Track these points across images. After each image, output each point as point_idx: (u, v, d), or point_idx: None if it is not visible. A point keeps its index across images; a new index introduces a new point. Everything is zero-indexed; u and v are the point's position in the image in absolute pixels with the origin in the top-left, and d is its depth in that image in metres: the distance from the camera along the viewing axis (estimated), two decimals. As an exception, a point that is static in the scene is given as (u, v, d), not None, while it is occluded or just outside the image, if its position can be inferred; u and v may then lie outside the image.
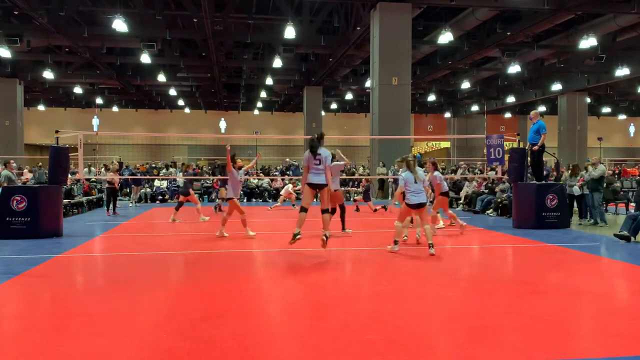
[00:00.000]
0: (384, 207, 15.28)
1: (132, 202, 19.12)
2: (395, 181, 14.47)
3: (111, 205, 14.84)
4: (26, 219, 9.78)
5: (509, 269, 7.51)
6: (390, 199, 18.55)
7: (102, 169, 20.39)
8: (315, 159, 7.77)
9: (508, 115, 44.48)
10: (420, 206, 8.17)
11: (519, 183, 11.59)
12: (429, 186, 9.91)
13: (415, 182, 8.13)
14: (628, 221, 9.50)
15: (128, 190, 20.98)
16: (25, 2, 16.94)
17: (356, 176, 21.09)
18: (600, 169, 12.24)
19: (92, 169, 15.64)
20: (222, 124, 43.51)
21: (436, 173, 10.14)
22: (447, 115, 45.05)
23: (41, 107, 40.10)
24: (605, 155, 34.30)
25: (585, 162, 15.75)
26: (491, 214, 14.45)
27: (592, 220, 12.26)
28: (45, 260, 7.61)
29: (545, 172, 13.86)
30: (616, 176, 20.59)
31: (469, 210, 15.69)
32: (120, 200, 18.00)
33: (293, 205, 16.82)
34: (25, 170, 21.27)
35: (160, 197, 20.21)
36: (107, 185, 15.10)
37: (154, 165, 27.77)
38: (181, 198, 13.50)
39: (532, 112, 12.06)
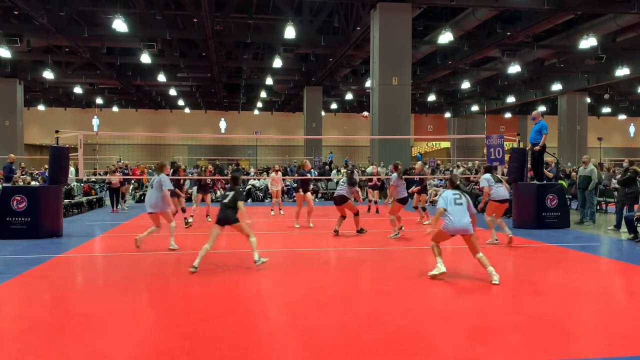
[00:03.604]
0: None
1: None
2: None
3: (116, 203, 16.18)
4: (26, 219, 9.78)
5: (509, 269, 7.50)
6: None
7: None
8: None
9: (508, 115, 44.50)
10: None
11: (519, 183, 11.59)
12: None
13: None
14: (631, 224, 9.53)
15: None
16: (25, 2, 16.94)
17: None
18: (590, 168, 12.30)
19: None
20: (222, 124, 43.51)
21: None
22: (447, 115, 45.06)
23: (41, 107, 40.12)
24: (605, 155, 34.28)
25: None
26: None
27: (580, 218, 12.31)
28: (45, 260, 7.61)
29: (552, 174, 13.84)
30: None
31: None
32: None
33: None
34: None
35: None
36: (108, 185, 16.69)
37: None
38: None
39: (534, 112, 12.10)
